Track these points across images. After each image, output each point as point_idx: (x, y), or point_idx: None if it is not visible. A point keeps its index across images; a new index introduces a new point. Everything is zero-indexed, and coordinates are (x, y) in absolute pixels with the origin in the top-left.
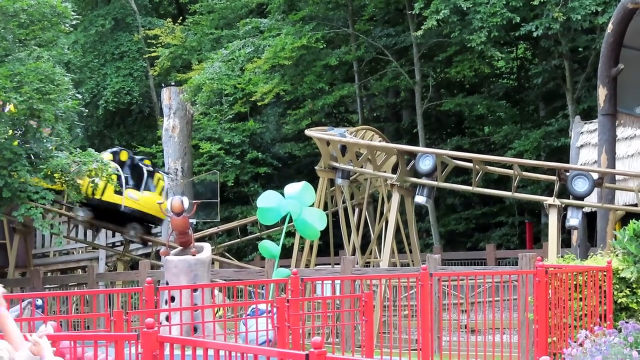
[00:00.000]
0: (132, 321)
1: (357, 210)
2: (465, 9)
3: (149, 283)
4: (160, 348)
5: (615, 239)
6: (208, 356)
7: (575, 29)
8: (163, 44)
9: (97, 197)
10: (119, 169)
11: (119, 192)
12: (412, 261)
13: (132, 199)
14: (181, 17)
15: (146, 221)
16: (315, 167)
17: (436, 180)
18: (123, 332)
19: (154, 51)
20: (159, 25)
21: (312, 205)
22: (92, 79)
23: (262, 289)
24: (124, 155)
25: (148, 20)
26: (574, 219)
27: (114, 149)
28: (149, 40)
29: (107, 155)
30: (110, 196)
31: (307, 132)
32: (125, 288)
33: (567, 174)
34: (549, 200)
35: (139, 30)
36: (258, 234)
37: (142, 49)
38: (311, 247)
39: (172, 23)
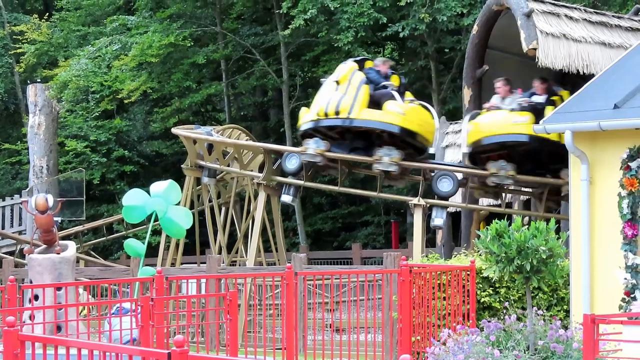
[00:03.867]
0: None
1: (223, 209)
2: (332, 9)
3: (11, 281)
4: (21, 347)
5: (479, 239)
6: (70, 355)
7: (441, 30)
8: (29, 40)
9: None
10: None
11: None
12: (279, 260)
13: (394, 112)
14: (48, 14)
15: (409, 144)
16: (182, 166)
17: (302, 180)
18: None
19: (20, 47)
20: (25, 21)
21: (178, 203)
22: None
23: (127, 288)
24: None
25: (14, 16)
26: (438, 219)
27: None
28: (14, 36)
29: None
30: (363, 113)
31: (174, 130)
32: None
33: (432, 174)
34: (414, 200)
35: (4, 26)
36: (124, 232)
37: (7, 45)
38: (177, 245)
39: (39, 19)
